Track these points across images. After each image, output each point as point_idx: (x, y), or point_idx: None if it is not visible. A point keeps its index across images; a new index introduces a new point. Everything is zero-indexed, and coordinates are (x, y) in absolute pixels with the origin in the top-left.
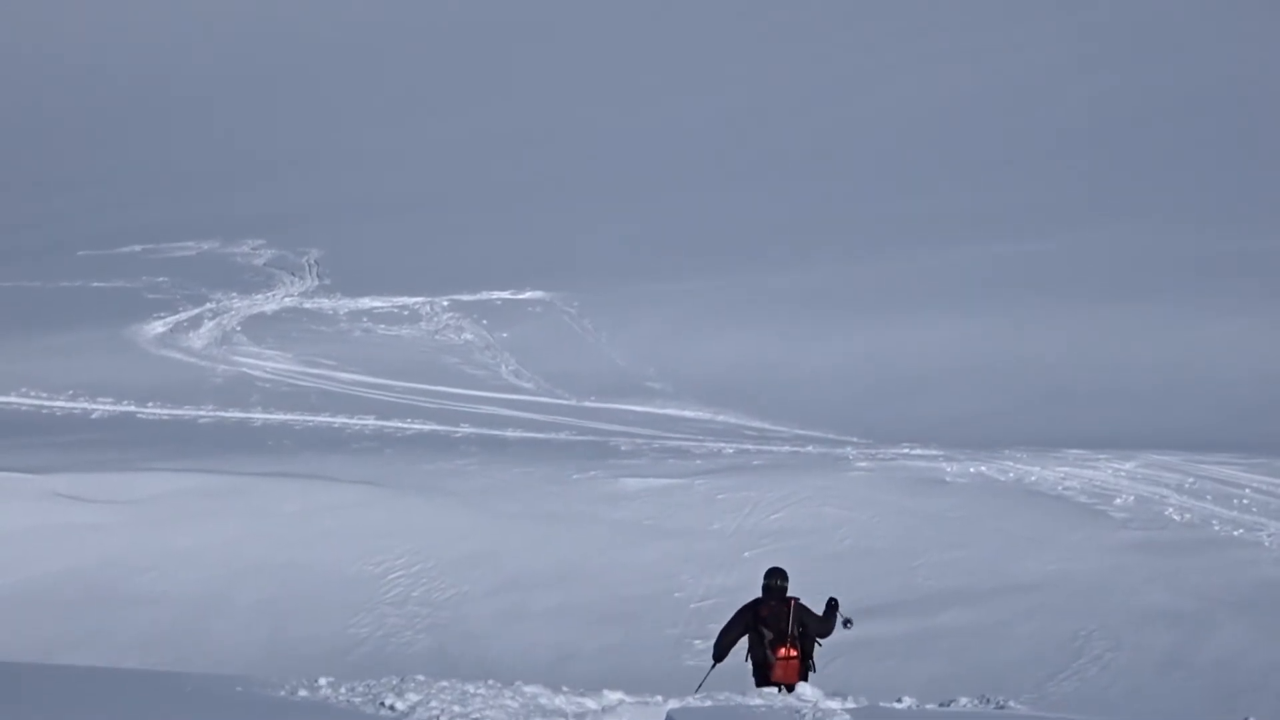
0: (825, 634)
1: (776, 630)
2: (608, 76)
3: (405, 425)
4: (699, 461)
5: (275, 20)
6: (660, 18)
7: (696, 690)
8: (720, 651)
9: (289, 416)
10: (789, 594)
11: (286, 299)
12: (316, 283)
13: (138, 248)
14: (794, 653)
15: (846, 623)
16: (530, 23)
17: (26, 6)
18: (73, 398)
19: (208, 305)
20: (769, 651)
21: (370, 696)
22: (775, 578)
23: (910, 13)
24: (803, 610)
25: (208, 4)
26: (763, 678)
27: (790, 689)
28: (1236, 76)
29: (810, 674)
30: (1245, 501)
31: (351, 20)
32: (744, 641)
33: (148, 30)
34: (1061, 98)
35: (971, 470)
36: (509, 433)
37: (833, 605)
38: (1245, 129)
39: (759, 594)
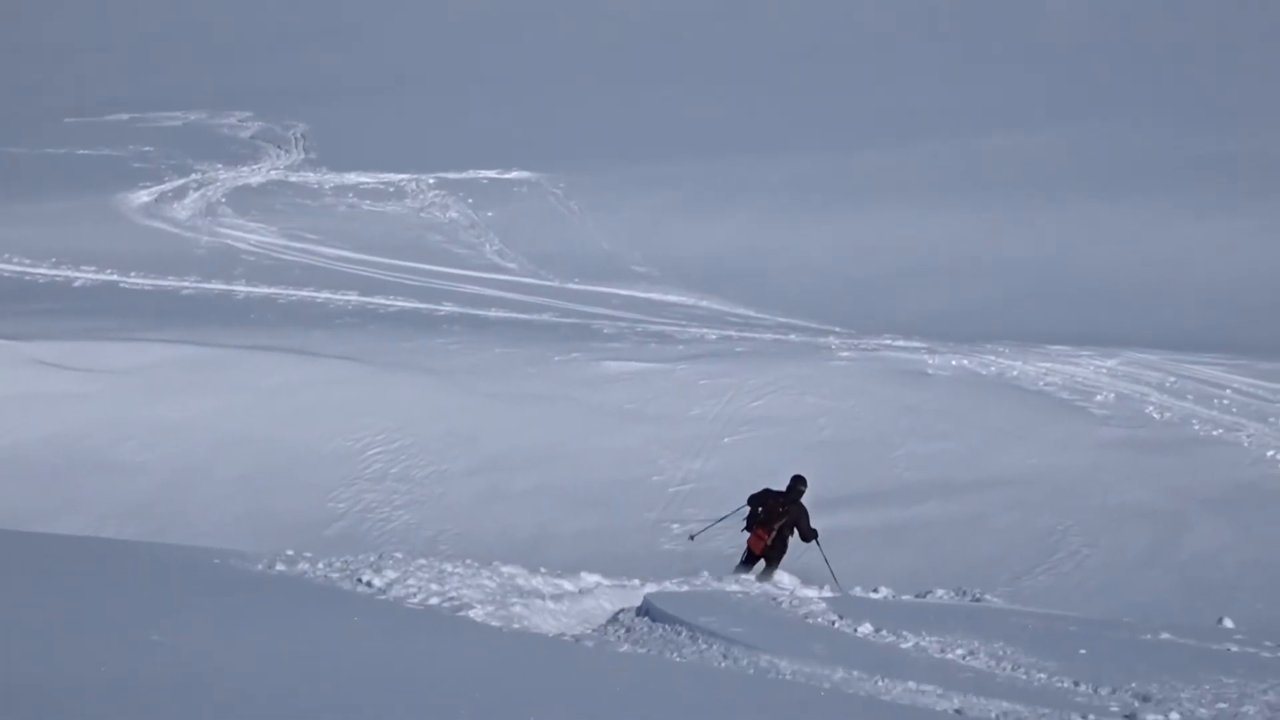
0: (804, 540)
1: (768, 515)
2: None
3: (388, 302)
4: (681, 347)
5: None
6: None
7: (691, 539)
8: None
9: (272, 290)
10: (801, 500)
11: (272, 172)
12: (302, 156)
13: (125, 116)
14: (765, 536)
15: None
16: None
17: None
18: (55, 265)
19: (193, 176)
20: (753, 527)
21: (348, 573)
22: (798, 484)
23: None
24: (802, 514)
25: None
26: (748, 544)
27: (753, 560)
28: None
29: (772, 563)
30: (1226, 402)
31: None
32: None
33: None
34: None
35: (953, 363)
36: (491, 313)
37: (816, 532)
38: (1240, 28)
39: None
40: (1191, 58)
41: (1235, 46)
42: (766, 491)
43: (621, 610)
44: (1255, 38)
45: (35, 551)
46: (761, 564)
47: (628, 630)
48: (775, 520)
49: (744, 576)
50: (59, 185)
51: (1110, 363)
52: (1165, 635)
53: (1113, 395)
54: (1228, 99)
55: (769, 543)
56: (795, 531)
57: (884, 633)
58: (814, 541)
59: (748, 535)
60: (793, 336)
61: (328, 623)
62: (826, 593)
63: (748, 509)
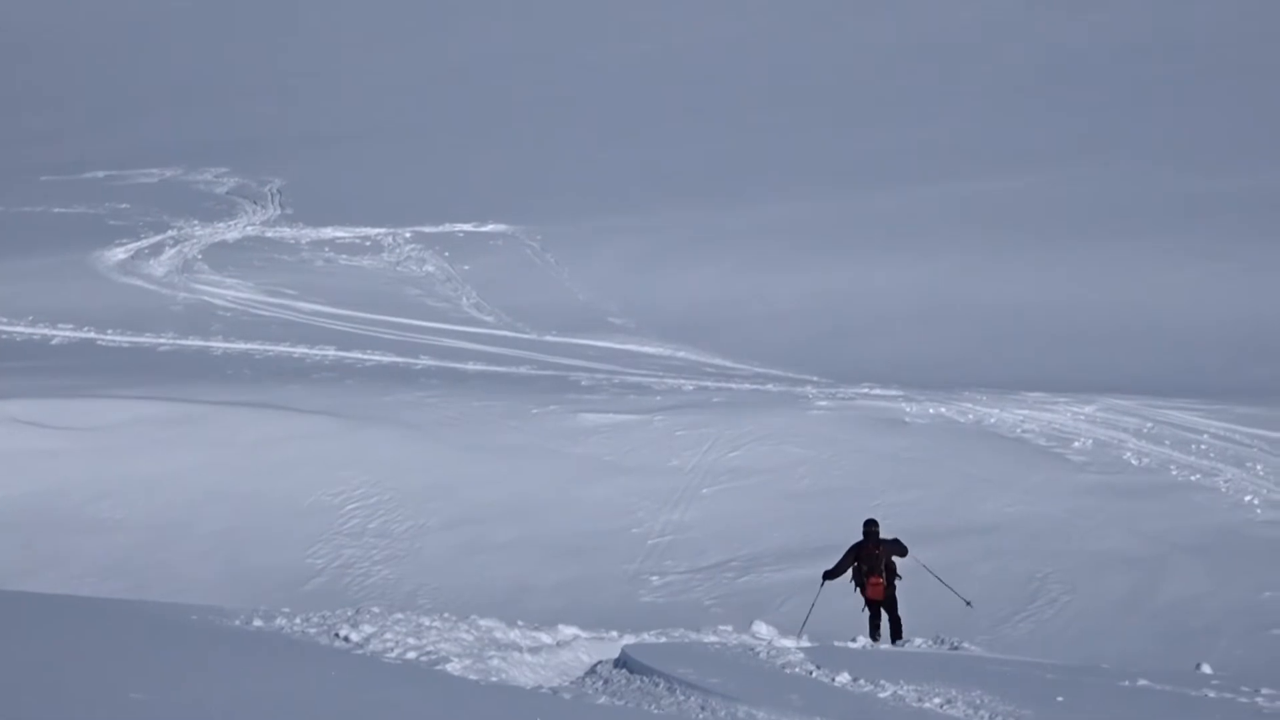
0: (902, 555)
1: (870, 562)
2: (575, 11)
3: (365, 356)
4: (659, 398)
5: None
6: None
7: (803, 628)
8: (831, 576)
9: (249, 346)
10: (880, 536)
11: (248, 228)
12: (279, 212)
13: (101, 174)
14: (880, 581)
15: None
16: None
17: None
18: (33, 323)
19: (169, 232)
20: (865, 579)
21: (325, 628)
22: (871, 525)
23: None
24: (890, 547)
25: None
26: (864, 596)
27: (878, 606)
28: (1206, 20)
29: (893, 607)
30: (1203, 447)
31: None
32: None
33: None
34: (1030, 39)
35: (931, 411)
36: (469, 366)
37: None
38: (1218, 72)
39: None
40: (1167, 101)
41: (1210, 91)
42: (856, 547)
43: (599, 662)
44: (1233, 81)
45: (12, 609)
46: (885, 622)
47: (605, 682)
48: (879, 562)
49: (877, 645)
50: (36, 243)
51: (1087, 409)
52: (1143, 682)
53: (1090, 441)
54: (1205, 144)
55: (886, 582)
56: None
57: (862, 682)
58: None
59: (860, 591)
60: (770, 386)
61: (305, 677)
62: (805, 642)
63: (849, 577)
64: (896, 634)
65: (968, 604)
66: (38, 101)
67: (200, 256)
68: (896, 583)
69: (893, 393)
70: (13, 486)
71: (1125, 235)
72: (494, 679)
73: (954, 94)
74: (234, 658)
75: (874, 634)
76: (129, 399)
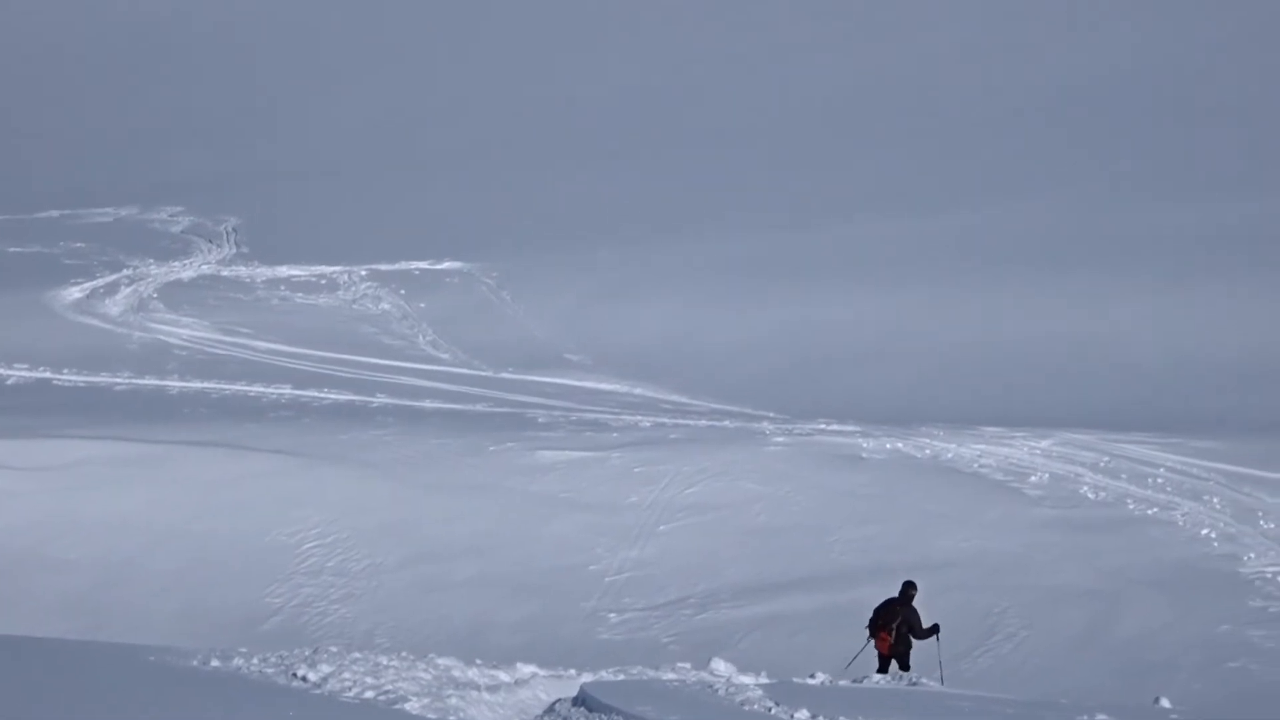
0: (919, 638)
1: (882, 622)
2: (526, 50)
3: (322, 395)
4: (616, 434)
5: None
6: None
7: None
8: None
9: (205, 384)
10: (913, 602)
11: (204, 266)
12: (234, 250)
13: (55, 213)
14: (888, 639)
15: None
16: None
17: None
18: None
19: (125, 272)
20: (877, 631)
21: (283, 667)
22: (908, 588)
23: None
24: (913, 614)
25: None
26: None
27: (886, 662)
28: (1162, 56)
29: (904, 663)
30: (1160, 480)
31: None
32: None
33: None
34: (981, 76)
35: (888, 446)
36: (426, 403)
37: (936, 627)
38: (1174, 107)
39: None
40: (1122, 136)
41: (1165, 125)
42: (887, 601)
43: (558, 700)
44: (1188, 116)
45: None
46: (894, 665)
47: None
48: (892, 621)
49: (878, 677)
50: None
51: (1044, 443)
52: (1101, 716)
53: (1047, 476)
54: (1160, 178)
55: (892, 642)
56: (911, 628)
57: (820, 718)
58: (935, 637)
59: (873, 642)
60: (727, 422)
61: (263, 718)
62: (764, 679)
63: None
64: (904, 667)
65: (943, 678)
66: None
67: (156, 295)
68: (911, 643)
69: (849, 428)
70: None
71: (1081, 269)
72: (452, 718)
73: (909, 129)
74: (191, 698)
75: (882, 669)
76: (85, 439)
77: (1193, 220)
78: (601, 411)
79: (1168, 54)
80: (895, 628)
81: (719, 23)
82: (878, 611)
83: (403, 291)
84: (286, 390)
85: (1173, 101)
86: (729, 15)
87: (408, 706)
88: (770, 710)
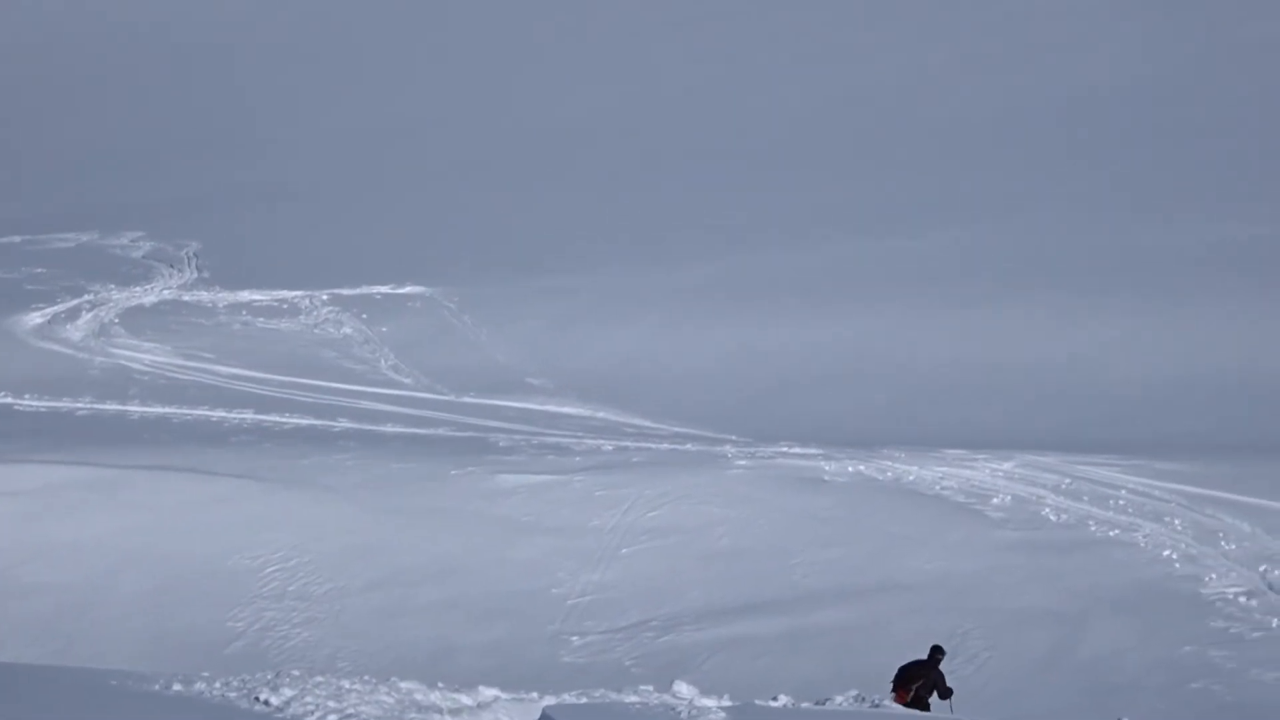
0: (943, 697)
1: (904, 679)
2: (490, 71)
3: (284, 419)
4: (578, 458)
5: (152, 9)
6: (548, 9)
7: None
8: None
9: (167, 409)
10: (937, 666)
11: (165, 291)
12: (195, 275)
13: (16, 238)
14: (906, 696)
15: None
16: (414, 14)
17: None
18: None
19: (86, 297)
20: (897, 687)
21: (245, 691)
22: (935, 652)
23: (797, 9)
24: (939, 677)
25: None
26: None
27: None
28: (1132, 78)
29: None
30: (1121, 502)
31: (230, 10)
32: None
33: (27, 15)
34: (949, 96)
35: (850, 469)
36: (388, 428)
37: (951, 691)
38: (1139, 130)
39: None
40: (1088, 158)
41: (1133, 148)
42: (914, 661)
43: None
44: (1155, 138)
45: None
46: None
47: None
48: (912, 683)
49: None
50: None
51: (1006, 465)
52: None
53: (1009, 498)
54: (1125, 201)
55: (907, 702)
56: (936, 688)
57: None
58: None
59: (893, 695)
60: (689, 446)
61: None
62: (726, 701)
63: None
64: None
65: None
66: None
67: (117, 320)
68: (929, 705)
69: (812, 451)
70: None
71: (1042, 291)
72: None
73: (873, 151)
74: None
75: None
76: (48, 464)
77: (1159, 243)
78: (563, 435)
79: (1146, 73)
80: (916, 689)
81: (685, 45)
82: (902, 670)
83: (364, 316)
84: (248, 415)
85: (1142, 124)
86: (696, 36)
87: None
88: None
